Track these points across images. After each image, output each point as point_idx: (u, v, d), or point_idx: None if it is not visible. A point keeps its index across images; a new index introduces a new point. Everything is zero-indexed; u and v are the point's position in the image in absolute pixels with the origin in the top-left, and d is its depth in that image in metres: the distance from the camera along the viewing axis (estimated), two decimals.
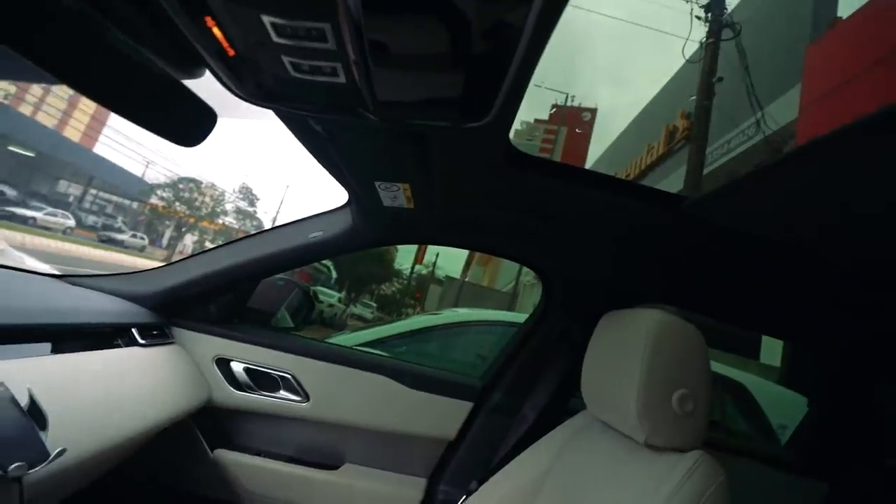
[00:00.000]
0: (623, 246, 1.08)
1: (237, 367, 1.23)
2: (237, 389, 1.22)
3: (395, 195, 0.94)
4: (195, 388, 1.13)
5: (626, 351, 0.81)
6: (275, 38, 0.43)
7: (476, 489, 1.08)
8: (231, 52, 0.47)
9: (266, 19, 0.41)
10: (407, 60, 0.46)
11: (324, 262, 21.67)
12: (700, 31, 6.60)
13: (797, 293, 1.10)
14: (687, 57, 7.45)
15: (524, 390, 1.32)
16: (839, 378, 1.45)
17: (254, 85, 0.55)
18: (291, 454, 1.29)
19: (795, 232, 0.82)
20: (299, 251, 1.22)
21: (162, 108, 0.55)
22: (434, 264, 27.35)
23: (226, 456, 1.21)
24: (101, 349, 0.93)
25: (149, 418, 0.92)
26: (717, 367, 2.71)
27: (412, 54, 0.46)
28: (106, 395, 0.85)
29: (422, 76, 0.50)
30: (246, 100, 0.61)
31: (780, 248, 0.88)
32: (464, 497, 1.12)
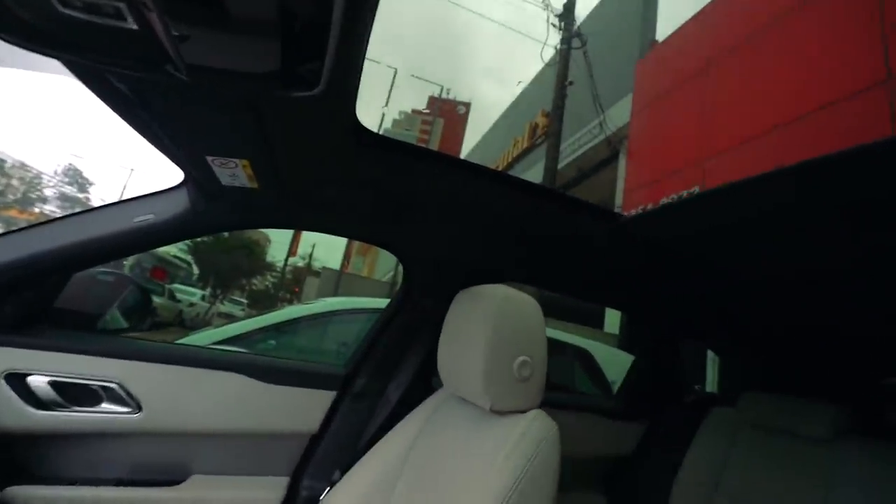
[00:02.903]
0: (481, 228, 1.13)
1: (38, 382, 0.99)
2: (38, 409, 0.99)
3: (233, 173, 0.84)
4: None
5: (474, 325, 0.86)
6: None
7: (339, 479, 1.06)
8: None
9: None
10: (207, 14, 0.41)
11: (182, 256, 19.21)
12: (556, 38, 7.30)
13: (642, 280, 1.31)
14: (545, 61, 8.21)
15: (387, 373, 1.32)
16: (658, 338, 1.76)
17: (13, 19, 0.44)
18: (122, 476, 1.10)
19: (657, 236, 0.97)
20: (122, 238, 1.03)
21: None
22: (311, 255, 26.09)
23: (22, 493, 0.98)
24: None
25: None
26: (569, 337, 3.08)
27: (213, 9, 0.40)
28: None
29: (229, 37, 0.45)
30: (13, 42, 0.49)
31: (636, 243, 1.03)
32: (327, 489, 1.08)
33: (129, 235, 1.03)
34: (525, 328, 0.87)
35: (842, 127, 3.32)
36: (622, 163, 7.02)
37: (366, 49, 0.54)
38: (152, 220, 1.05)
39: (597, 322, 6.63)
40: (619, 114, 7.06)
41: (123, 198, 1.12)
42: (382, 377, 1.31)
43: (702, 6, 5.52)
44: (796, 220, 0.79)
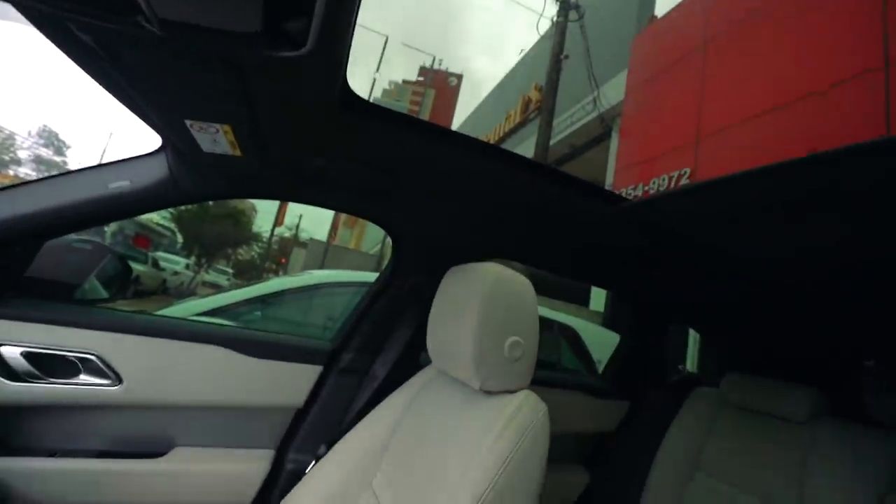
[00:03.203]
0: (473, 203, 1.10)
1: (10, 353, 0.96)
2: (12, 381, 0.96)
3: (214, 139, 0.79)
4: None
5: (465, 303, 0.85)
6: None
7: (325, 453, 1.06)
8: None
9: None
10: None
11: (166, 224, 18.78)
12: (552, 10, 7.09)
13: (634, 262, 1.30)
14: (541, 33, 8.00)
15: (374, 349, 1.30)
16: (645, 320, 1.77)
17: None
18: (103, 448, 1.08)
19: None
20: (97, 205, 0.97)
21: None
22: (297, 226, 25.79)
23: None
24: None
25: None
26: (556, 314, 3.11)
27: None
28: None
29: None
30: None
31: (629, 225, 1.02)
32: (312, 463, 1.08)
33: (104, 202, 0.98)
34: (517, 308, 0.85)
35: (839, 110, 3.31)
36: (614, 140, 6.97)
37: (358, 9, 0.49)
38: (129, 187, 0.99)
39: (583, 300, 6.71)
40: (614, 90, 6.96)
41: (99, 163, 1.05)
42: (370, 353, 1.29)
43: None
44: (788, 211, 0.81)
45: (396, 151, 0.89)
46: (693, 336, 3.95)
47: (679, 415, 1.57)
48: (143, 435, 1.11)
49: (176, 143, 0.87)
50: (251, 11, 0.44)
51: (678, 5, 5.89)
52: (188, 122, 0.74)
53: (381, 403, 1.08)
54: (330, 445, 1.07)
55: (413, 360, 1.29)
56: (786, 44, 3.95)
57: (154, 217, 17.19)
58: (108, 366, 1.03)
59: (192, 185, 1.01)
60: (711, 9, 5.09)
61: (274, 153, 0.90)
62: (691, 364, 3.81)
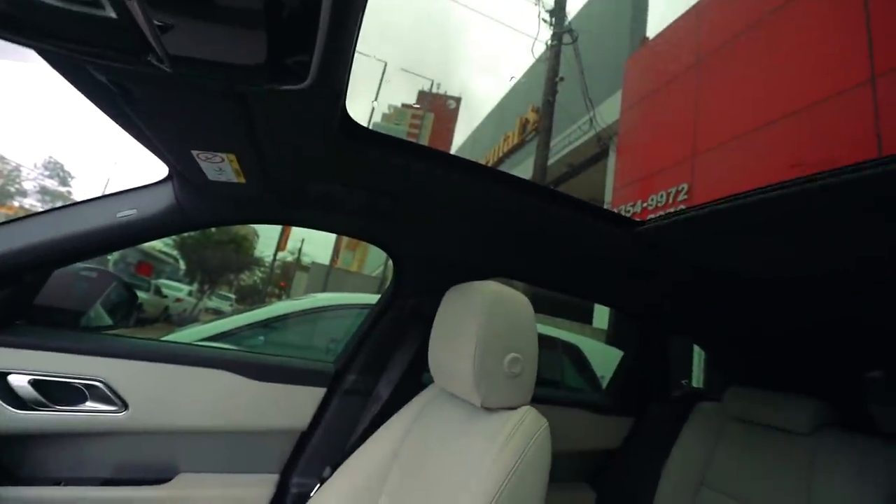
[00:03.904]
0: (473, 225, 1.13)
1: (18, 381, 0.97)
2: (19, 409, 0.97)
3: (220, 168, 0.82)
4: None
5: (465, 322, 0.86)
6: None
7: (330, 475, 1.05)
8: None
9: None
10: (191, 2, 0.40)
11: (169, 251, 18.90)
12: (547, 34, 7.29)
13: (638, 280, 1.33)
14: (536, 56, 8.21)
15: (378, 369, 1.31)
16: (647, 335, 1.78)
17: None
18: (108, 475, 1.08)
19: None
20: (104, 234, 1.00)
21: None
22: (300, 251, 25.90)
23: (6, 494, 0.96)
24: None
25: None
26: (560, 332, 3.10)
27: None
28: None
29: (214, 27, 0.44)
30: None
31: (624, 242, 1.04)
32: (317, 486, 1.07)
33: (112, 231, 1.01)
34: (516, 325, 0.87)
35: (829, 124, 3.37)
36: (612, 159, 7.07)
37: (356, 42, 0.53)
38: (136, 216, 1.02)
39: (586, 317, 6.68)
40: (609, 110, 7.09)
41: (106, 192, 1.09)
42: (373, 374, 1.30)
43: (692, 3, 5.55)
44: (791, 231, 0.85)
45: (397, 175, 0.92)
46: (698, 351, 3.91)
47: (683, 430, 1.56)
48: (147, 461, 1.11)
49: (183, 172, 0.90)
50: (255, 46, 0.48)
51: (669, 27, 6.06)
52: (195, 153, 0.77)
53: (385, 424, 1.08)
54: (335, 468, 1.06)
55: (416, 379, 1.29)
56: (774, 61, 4.05)
57: (157, 244, 17.29)
58: (115, 392, 1.04)
59: (198, 213, 1.04)
60: (701, 29, 5.24)
61: (277, 179, 0.93)
62: (697, 380, 3.77)
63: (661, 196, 5.03)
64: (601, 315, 6.61)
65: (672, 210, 4.77)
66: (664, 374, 1.82)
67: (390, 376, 1.27)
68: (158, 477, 1.10)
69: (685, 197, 4.67)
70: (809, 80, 3.64)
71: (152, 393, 1.08)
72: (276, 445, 1.22)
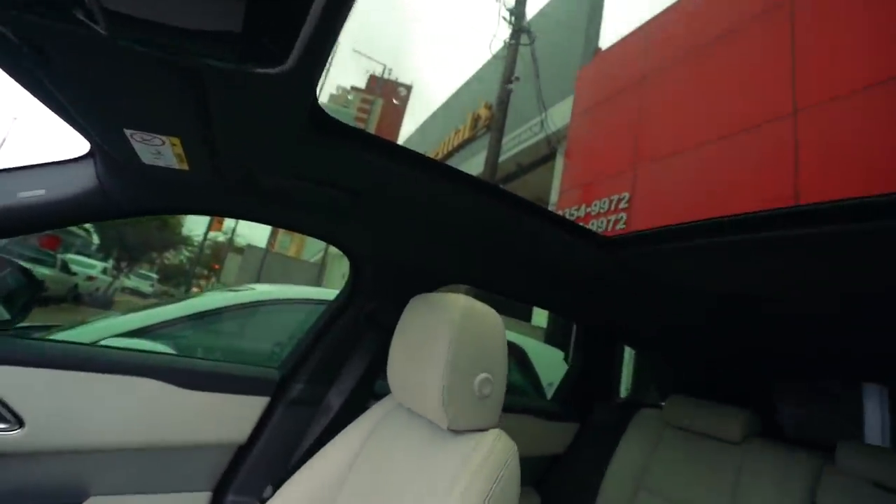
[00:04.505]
0: (439, 230, 1.08)
1: None
2: None
3: (158, 151, 0.70)
4: None
5: (434, 338, 0.81)
6: None
7: (271, 495, 0.96)
8: None
9: None
10: None
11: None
12: (505, 32, 7.34)
13: (598, 292, 1.35)
14: (493, 52, 8.24)
15: (328, 378, 1.22)
16: (596, 343, 1.83)
17: None
18: None
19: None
20: (1, 216, 0.83)
21: None
22: (233, 231, 24.37)
23: None
24: None
25: None
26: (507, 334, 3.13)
27: None
28: None
29: None
30: None
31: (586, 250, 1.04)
32: None
33: (10, 213, 0.84)
34: (487, 344, 0.83)
35: (756, 151, 3.67)
36: (559, 162, 7.28)
37: (345, 21, 0.45)
38: (43, 197, 0.85)
39: (525, 315, 6.87)
40: (560, 114, 7.28)
41: (5, 165, 0.90)
42: (322, 382, 1.21)
43: (644, 20, 5.81)
44: (743, 258, 0.91)
45: (364, 173, 0.84)
46: (627, 359, 4.12)
47: (624, 436, 1.63)
48: (49, 485, 0.94)
49: (109, 151, 0.76)
50: (228, 14, 0.38)
51: (620, 40, 6.30)
52: (129, 132, 0.65)
53: (335, 438, 1.00)
54: (277, 486, 0.97)
55: (369, 388, 1.22)
56: (710, 86, 4.34)
57: None
58: (6, 406, 0.87)
59: (126, 198, 0.89)
60: (648, 47, 5.50)
61: (227, 169, 0.81)
62: (625, 388, 3.98)
63: (605, 202, 5.25)
64: (540, 314, 6.82)
65: (613, 217, 5.02)
66: (610, 380, 1.89)
67: (342, 386, 1.19)
68: (63, 502, 0.94)
69: (626, 206, 4.91)
70: (740, 108, 3.94)
71: (55, 406, 0.91)
72: (208, 461, 1.09)
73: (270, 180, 0.88)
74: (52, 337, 1.45)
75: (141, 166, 0.78)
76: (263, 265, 16.61)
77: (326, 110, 0.69)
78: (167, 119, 0.63)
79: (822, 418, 3.00)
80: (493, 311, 0.87)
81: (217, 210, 1.01)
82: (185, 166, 0.78)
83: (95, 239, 17.10)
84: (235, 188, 0.92)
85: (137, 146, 0.70)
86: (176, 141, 0.68)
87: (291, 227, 1.10)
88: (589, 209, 5.52)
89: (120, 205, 0.90)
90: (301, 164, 0.82)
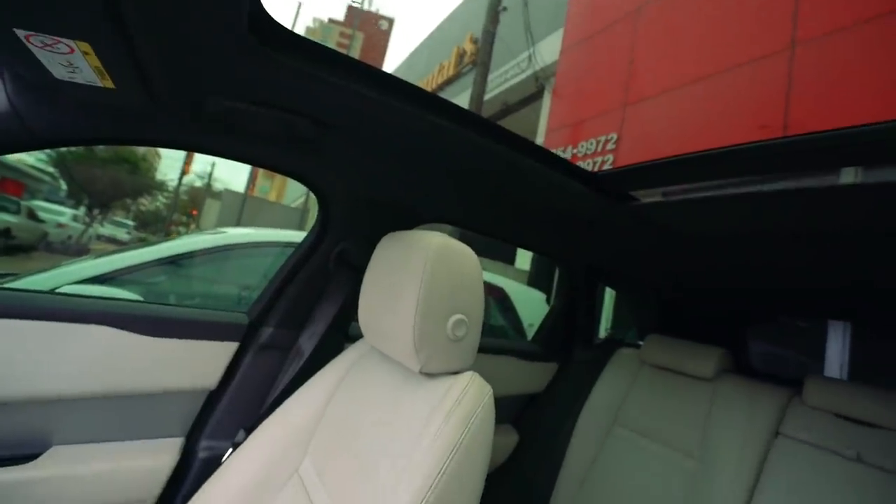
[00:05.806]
0: (414, 161, 0.99)
1: None
2: None
3: (69, 62, 0.58)
4: None
5: (405, 277, 0.76)
6: None
7: (244, 439, 0.94)
8: None
9: None
10: None
11: (44, 168, 16.05)
12: None
13: (582, 231, 1.30)
14: None
15: (299, 322, 1.17)
16: (578, 284, 1.82)
17: None
18: None
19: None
20: None
21: None
22: (210, 175, 23.54)
23: None
24: None
25: None
26: (485, 275, 3.13)
27: None
28: None
29: None
30: None
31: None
32: (230, 450, 0.96)
33: None
34: (462, 283, 0.77)
35: (752, 86, 3.54)
36: (546, 101, 7.01)
37: None
38: None
39: (509, 258, 6.91)
40: (549, 49, 6.91)
41: None
42: (293, 327, 1.16)
43: None
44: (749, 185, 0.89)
45: (324, 95, 0.74)
46: (608, 297, 4.21)
47: (602, 374, 1.66)
48: (7, 436, 0.90)
49: (13, 64, 0.64)
50: None
51: None
52: (22, 34, 0.53)
53: (308, 382, 0.97)
54: (249, 431, 0.95)
55: (342, 333, 1.18)
56: (706, 20, 4.11)
57: (25, 158, 14.60)
58: None
59: (47, 125, 0.77)
60: None
61: (161, 88, 0.70)
62: (605, 325, 4.09)
63: (591, 143, 5.12)
64: (524, 256, 6.87)
65: (600, 159, 4.91)
66: (590, 322, 1.89)
67: (313, 330, 1.14)
68: (22, 453, 0.90)
69: (613, 147, 4.79)
70: (736, 42, 3.75)
71: (10, 356, 0.85)
72: (178, 407, 1.06)
73: (216, 103, 0.76)
74: (7, 285, 1.36)
75: (56, 84, 0.66)
76: (243, 210, 16.21)
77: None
78: (71, 18, 0.51)
79: (789, 356, 3.17)
80: (469, 249, 0.81)
81: (159, 140, 0.89)
82: (111, 84, 0.67)
83: (62, 184, 16.32)
84: (177, 114, 0.81)
85: (41, 55, 0.58)
86: (87, 47, 0.57)
87: (247, 159, 0.99)
88: (575, 150, 5.39)
89: (41, 134, 0.78)
90: (248, 83, 0.71)
